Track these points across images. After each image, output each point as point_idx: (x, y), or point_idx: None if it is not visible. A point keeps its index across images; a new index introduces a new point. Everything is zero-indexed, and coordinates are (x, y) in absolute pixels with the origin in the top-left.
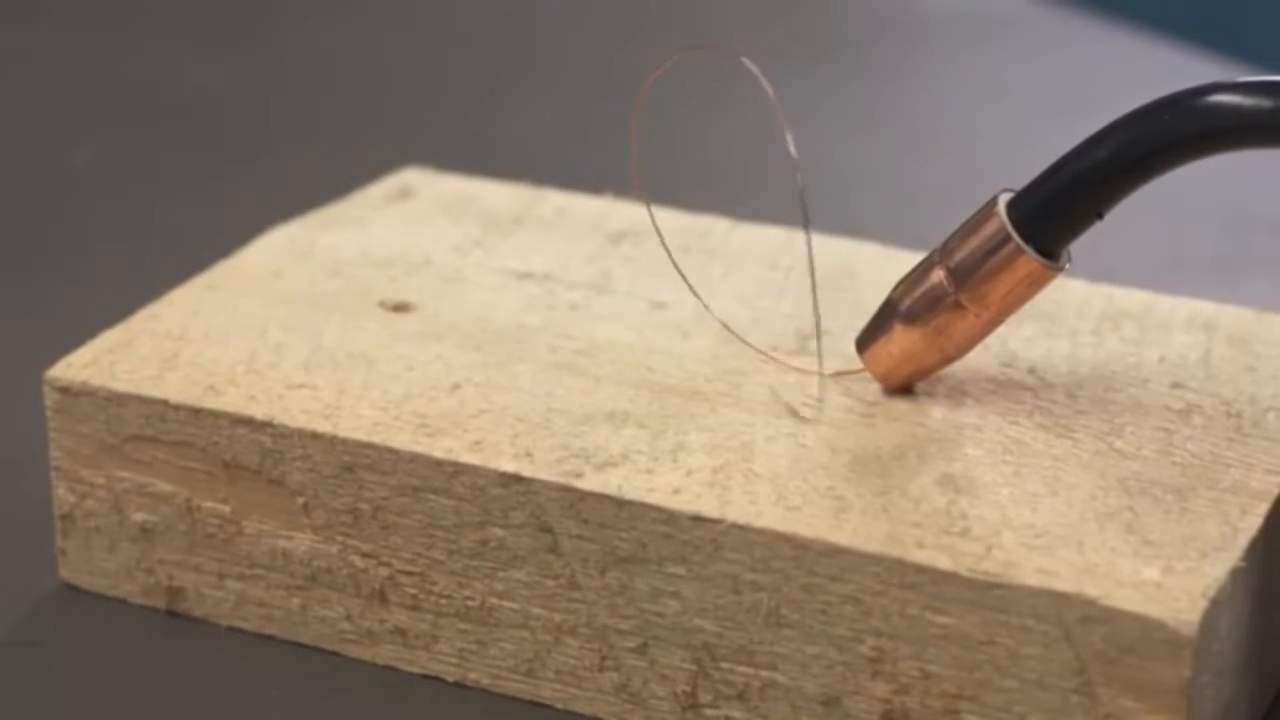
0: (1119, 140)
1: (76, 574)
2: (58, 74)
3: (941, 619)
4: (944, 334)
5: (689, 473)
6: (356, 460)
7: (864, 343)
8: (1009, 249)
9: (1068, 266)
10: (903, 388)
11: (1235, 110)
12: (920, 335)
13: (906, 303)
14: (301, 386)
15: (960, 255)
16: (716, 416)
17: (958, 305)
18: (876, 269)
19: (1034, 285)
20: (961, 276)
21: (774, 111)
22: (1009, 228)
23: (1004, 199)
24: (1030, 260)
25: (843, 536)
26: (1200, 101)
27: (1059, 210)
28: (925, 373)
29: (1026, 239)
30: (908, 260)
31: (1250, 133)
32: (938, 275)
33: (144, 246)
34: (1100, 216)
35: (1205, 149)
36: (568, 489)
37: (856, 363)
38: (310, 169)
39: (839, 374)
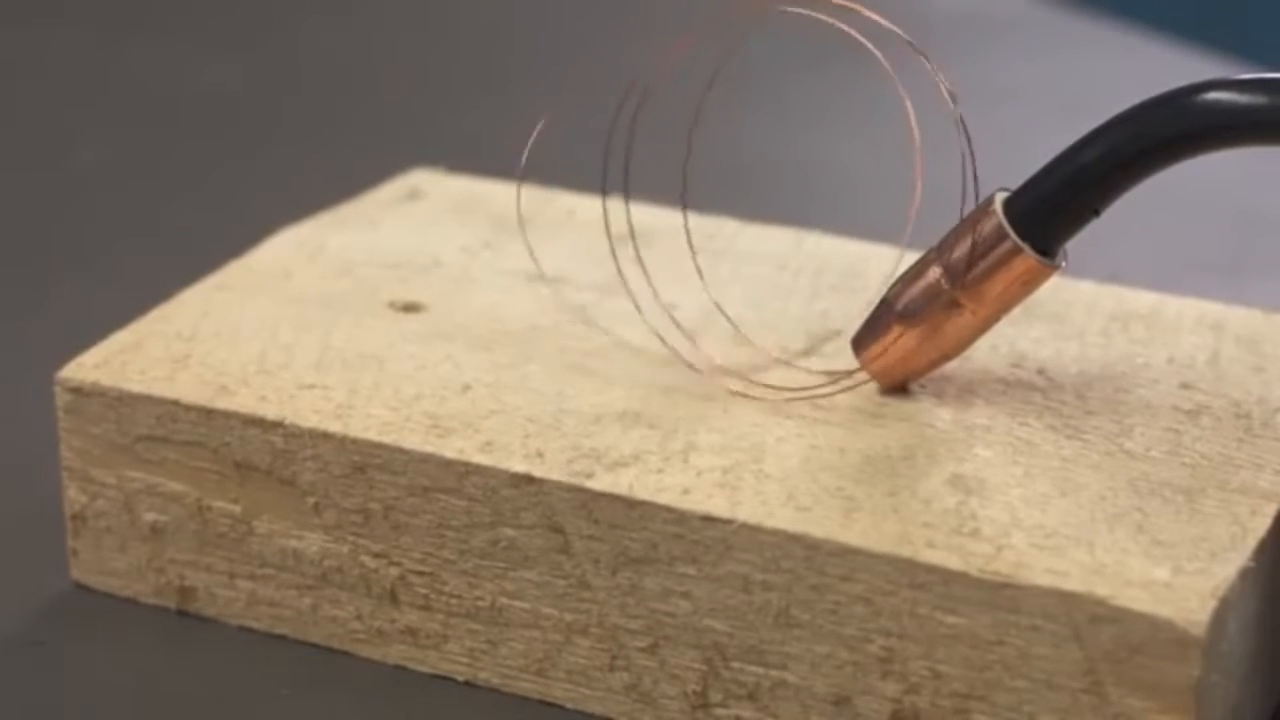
0: (1115, 138)
1: (87, 574)
2: (68, 74)
3: (951, 619)
4: (940, 332)
5: (699, 473)
6: (367, 460)
7: (860, 341)
8: (1006, 247)
9: (1064, 265)
10: (899, 386)
11: (1230, 108)
12: (917, 333)
13: (903, 301)
14: (312, 387)
15: (957, 253)
16: (726, 417)
17: (954, 303)
18: (885, 270)
19: (1031, 283)
20: (958, 274)
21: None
22: (1006, 225)
23: (1000, 197)
24: (1027, 258)
25: (853, 537)
26: (1196, 99)
27: (1056, 208)
28: (922, 371)
29: (1023, 237)
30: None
31: (1246, 130)
32: (934, 273)
33: (154, 247)
34: (1097, 214)
35: (1201, 146)
36: (579, 489)
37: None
38: (320, 170)
39: (834, 373)
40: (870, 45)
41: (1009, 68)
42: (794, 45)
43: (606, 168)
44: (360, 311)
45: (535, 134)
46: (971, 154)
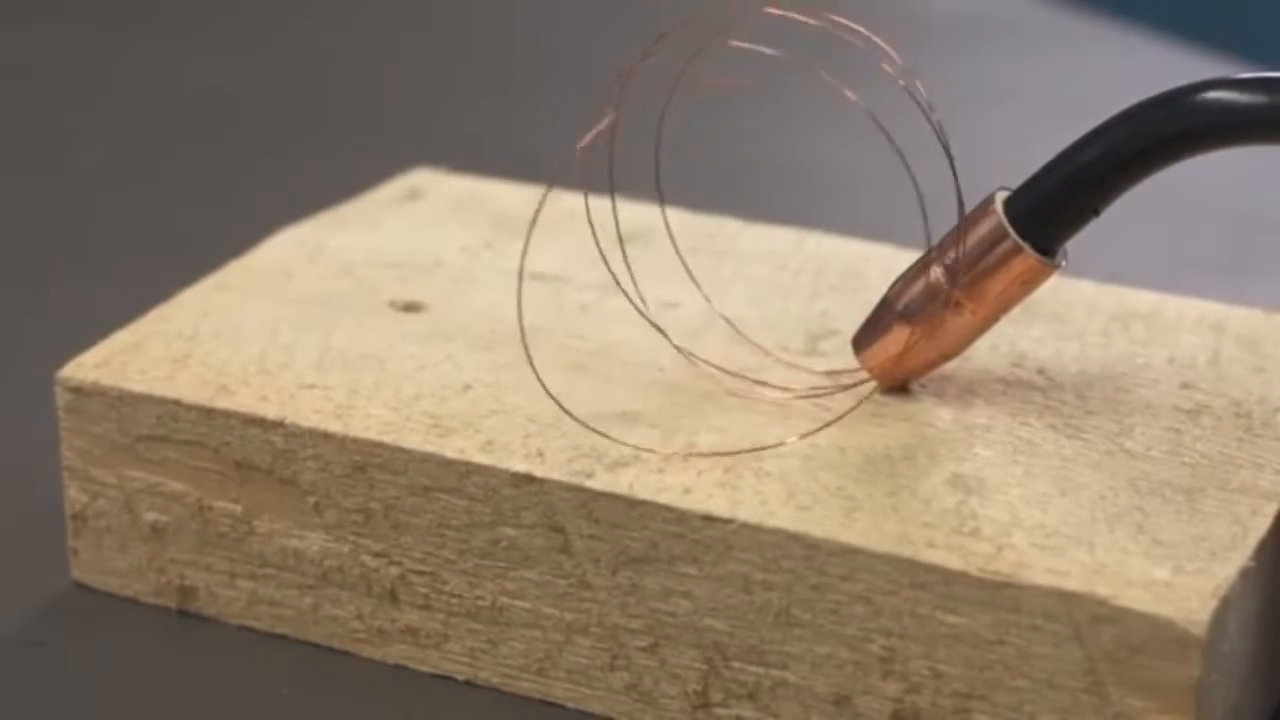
0: (1115, 137)
1: (88, 574)
2: (68, 74)
3: (952, 618)
4: (941, 332)
5: (700, 473)
6: (368, 460)
7: (861, 341)
8: (1006, 246)
9: (1064, 264)
10: (900, 386)
11: (1230, 107)
12: (917, 333)
13: (903, 300)
14: (313, 386)
15: (956, 253)
16: (727, 416)
17: (954, 303)
18: (886, 270)
19: (1031, 283)
20: (958, 274)
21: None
22: (1006, 225)
23: (1001, 197)
24: (1028, 258)
25: (853, 536)
26: (1196, 98)
27: (1056, 208)
28: (922, 371)
29: (1023, 236)
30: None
31: (1246, 130)
32: (934, 273)
33: (154, 247)
34: (1097, 213)
35: (1201, 146)
36: (579, 489)
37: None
38: (320, 169)
39: (835, 373)
40: (803, 59)
41: (1009, 68)
42: (794, 45)
43: (587, 168)
44: (361, 311)
45: (591, 135)
46: (948, 149)
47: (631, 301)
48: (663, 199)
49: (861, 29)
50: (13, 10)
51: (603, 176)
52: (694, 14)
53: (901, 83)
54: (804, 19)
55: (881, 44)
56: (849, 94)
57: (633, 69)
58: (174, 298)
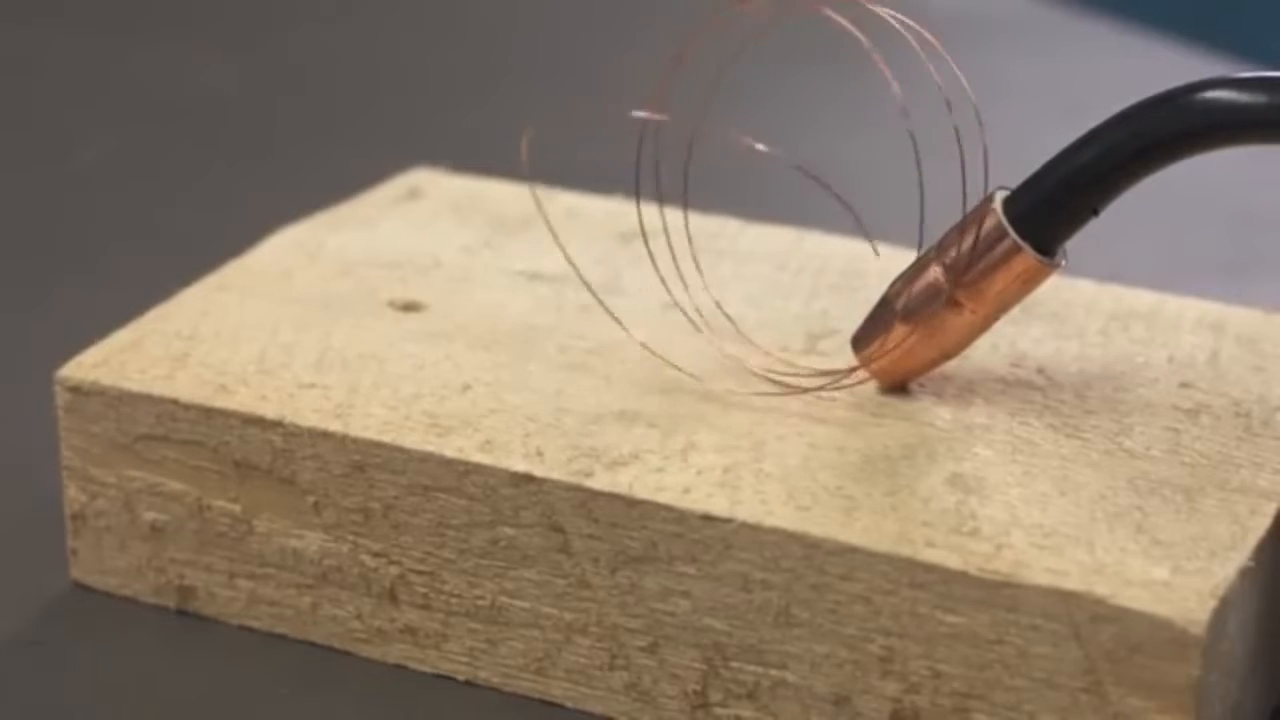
0: (1114, 137)
1: (87, 573)
2: (68, 74)
3: (951, 618)
4: (940, 331)
5: (699, 472)
6: (367, 459)
7: (860, 341)
8: (1006, 245)
9: (1064, 264)
10: (899, 386)
11: (1230, 106)
12: (917, 332)
13: (903, 300)
14: (312, 386)
15: (956, 252)
16: (727, 416)
17: (954, 302)
18: (886, 270)
19: (1030, 282)
20: (958, 273)
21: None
22: (1005, 224)
23: (1000, 196)
24: (1027, 257)
25: (853, 536)
26: (1195, 98)
27: (1055, 207)
28: (922, 370)
29: (1023, 235)
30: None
31: (1245, 129)
32: (934, 272)
33: (153, 247)
34: (1096, 213)
35: (1200, 145)
36: (578, 488)
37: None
38: (319, 169)
39: (834, 373)
40: (861, 41)
41: (1008, 68)
42: (795, 44)
43: (639, 166)
44: (360, 311)
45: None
46: (966, 151)
47: (670, 294)
48: (686, 203)
49: (922, 30)
50: (13, 10)
51: (606, 177)
52: (731, 9)
53: (950, 111)
54: (871, 5)
55: (938, 47)
56: (898, 98)
57: (682, 56)
58: (174, 298)
